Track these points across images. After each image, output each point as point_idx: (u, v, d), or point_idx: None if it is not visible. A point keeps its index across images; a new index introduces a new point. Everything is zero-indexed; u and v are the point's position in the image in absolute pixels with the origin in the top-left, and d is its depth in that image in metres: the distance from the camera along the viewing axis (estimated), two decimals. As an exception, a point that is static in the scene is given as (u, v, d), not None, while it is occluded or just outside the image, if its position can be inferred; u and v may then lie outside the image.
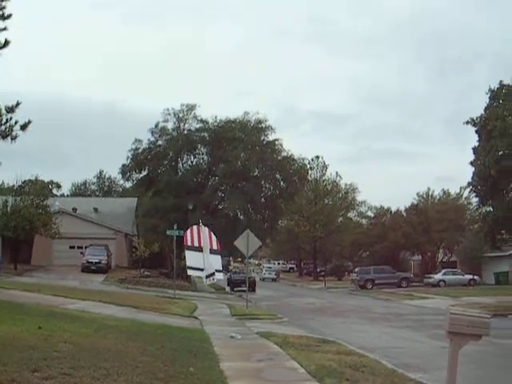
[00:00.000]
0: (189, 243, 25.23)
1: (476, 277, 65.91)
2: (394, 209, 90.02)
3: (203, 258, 24.56)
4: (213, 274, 24.32)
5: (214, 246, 25.68)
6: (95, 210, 71.32)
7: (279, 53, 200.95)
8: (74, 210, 66.69)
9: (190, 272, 25.01)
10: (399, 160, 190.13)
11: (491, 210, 43.38)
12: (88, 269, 55.37)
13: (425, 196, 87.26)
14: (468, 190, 54.03)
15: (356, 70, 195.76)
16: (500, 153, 39.79)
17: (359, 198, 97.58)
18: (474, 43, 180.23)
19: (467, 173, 43.33)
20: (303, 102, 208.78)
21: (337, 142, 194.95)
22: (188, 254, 25.31)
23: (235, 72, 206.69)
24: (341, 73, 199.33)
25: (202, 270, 24.87)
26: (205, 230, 25.86)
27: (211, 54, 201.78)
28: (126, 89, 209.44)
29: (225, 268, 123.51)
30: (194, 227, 25.94)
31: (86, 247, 59.80)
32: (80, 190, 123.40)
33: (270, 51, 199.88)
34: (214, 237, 26.00)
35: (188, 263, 25.09)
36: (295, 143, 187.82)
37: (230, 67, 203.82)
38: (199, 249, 25.16)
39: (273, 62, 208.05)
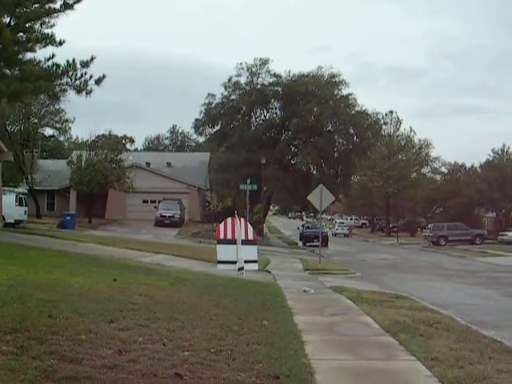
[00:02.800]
0: (221, 236, 25.26)
1: (552, 234, 64.61)
2: (468, 165, 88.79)
3: (236, 251, 24.57)
4: (242, 267, 24.36)
5: (250, 237, 25.61)
6: (168, 164, 72.00)
7: (354, 9, 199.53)
8: (148, 164, 67.48)
9: (220, 266, 25.04)
10: (474, 116, 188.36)
11: None
12: (161, 223, 56.15)
13: (500, 152, 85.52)
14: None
15: (432, 28, 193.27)
16: None
17: (433, 153, 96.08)
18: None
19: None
20: (378, 57, 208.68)
21: (411, 97, 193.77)
22: (219, 247, 25.32)
23: (310, 28, 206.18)
24: (416, 28, 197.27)
25: (234, 262, 24.89)
26: (240, 222, 25.81)
27: (286, 9, 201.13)
28: (200, 44, 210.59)
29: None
30: (229, 220, 25.91)
31: (159, 201, 60.57)
32: (153, 145, 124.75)
33: (345, 8, 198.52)
34: (250, 227, 25.95)
35: (218, 257, 25.12)
36: (370, 98, 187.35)
37: (306, 23, 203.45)
38: (232, 241, 25.14)
39: (348, 18, 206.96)
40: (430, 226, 71.39)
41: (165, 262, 26.14)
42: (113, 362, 7.79)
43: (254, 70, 66.09)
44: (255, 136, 63.85)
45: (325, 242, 55.61)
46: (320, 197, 33.51)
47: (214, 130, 68.27)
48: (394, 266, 38.33)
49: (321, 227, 45.99)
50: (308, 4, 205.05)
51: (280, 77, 66.12)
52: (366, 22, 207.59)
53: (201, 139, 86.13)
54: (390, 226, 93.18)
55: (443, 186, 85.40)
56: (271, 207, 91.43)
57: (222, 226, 26.00)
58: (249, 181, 46.14)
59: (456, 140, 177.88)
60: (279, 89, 65.75)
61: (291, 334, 11.54)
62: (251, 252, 25.63)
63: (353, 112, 64.90)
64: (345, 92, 65.55)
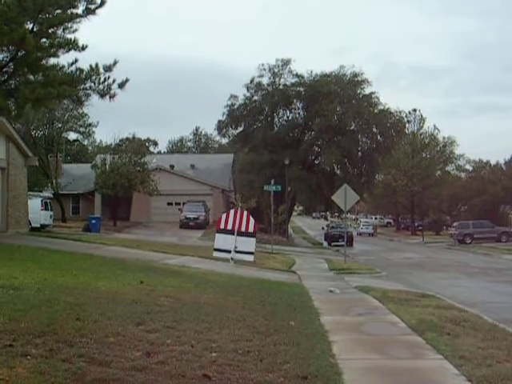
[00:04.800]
0: (221, 227, 25.44)
1: None
2: (493, 162, 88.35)
3: (233, 241, 24.77)
4: (232, 258, 24.53)
5: (251, 229, 25.75)
6: (192, 166, 72.14)
7: (374, 11, 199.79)
8: (171, 166, 67.63)
9: (215, 254, 25.28)
10: (498, 114, 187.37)
11: None
12: (186, 225, 56.21)
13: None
14: None
15: (453, 27, 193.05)
16: None
17: (457, 151, 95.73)
18: None
19: None
20: (401, 58, 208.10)
21: (435, 96, 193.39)
22: (218, 236, 25.54)
23: (332, 29, 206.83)
24: (436, 28, 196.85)
25: (229, 251, 25.10)
26: (243, 214, 25.94)
27: (308, 10, 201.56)
28: (222, 47, 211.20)
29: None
30: (231, 212, 26.12)
31: (183, 203, 60.64)
32: (177, 147, 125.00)
33: (367, 9, 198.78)
34: (252, 220, 26.07)
35: (216, 245, 25.34)
36: (394, 98, 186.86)
37: (329, 24, 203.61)
38: (230, 232, 25.32)
39: (369, 20, 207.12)
40: (455, 224, 71.06)
41: (190, 263, 26.19)
42: (141, 364, 7.84)
43: (275, 70, 66.24)
44: (278, 137, 63.93)
45: (350, 241, 55.59)
46: (344, 196, 33.45)
47: (237, 131, 68.38)
48: (419, 265, 38.20)
49: (345, 227, 45.90)
50: (330, 5, 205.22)
51: (302, 77, 66.17)
52: (387, 23, 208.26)
53: (224, 141, 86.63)
54: (415, 224, 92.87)
55: (468, 183, 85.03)
56: (295, 207, 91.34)
57: (223, 217, 26.21)
58: (273, 181, 46.08)
59: (480, 138, 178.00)
60: (301, 89, 65.77)
61: (318, 334, 11.56)
62: (249, 244, 25.81)
63: (376, 111, 64.76)
64: (367, 91, 65.53)
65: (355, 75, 65.04)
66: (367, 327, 12.82)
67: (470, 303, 18.16)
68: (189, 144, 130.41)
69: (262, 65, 66.34)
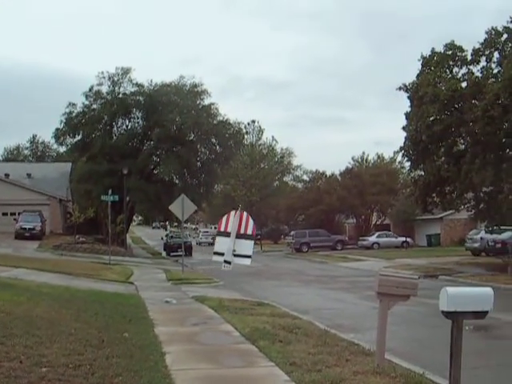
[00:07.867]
0: (222, 229, 25.01)
1: (409, 239, 67.26)
2: (329, 173, 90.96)
3: (228, 244, 24.43)
4: (229, 262, 24.14)
5: (250, 231, 25.46)
6: (28, 175, 70.30)
7: (225, 24, 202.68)
8: (7, 175, 65.65)
9: (214, 258, 24.90)
10: (338, 127, 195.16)
11: (422, 174, 43.61)
12: (22, 235, 54.62)
13: (359, 160, 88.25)
14: (400, 154, 53.34)
15: (298, 42, 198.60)
16: (431, 118, 39.82)
17: (295, 162, 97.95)
18: (412, 17, 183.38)
19: (402, 138, 43.29)
20: (247, 71, 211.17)
21: (278, 108, 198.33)
22: (217, 239, 25.17)
23: (180, 40, 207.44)
24: (284, 44, 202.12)
25: (223, 255, 24.80)
26: (243, 215, 25.52)
27: (156, 20, 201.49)
28: (65, 53, 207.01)
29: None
30: (232, 212, 25.67)
31: (19, 213, 58.91)
32: (12, 155, 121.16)
33: (215, 21, 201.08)
34: (251, 222, 25.77)
35: (215, 249, 24.94)
36: (239, 110, 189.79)
37: (176, 36, 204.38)
38: (228, 234, 24.99)
39: (218, 32, 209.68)
40: (292, 233, 72.68)
41: (24, 276, 25.44)
42: (-34, 383, 7.57)
43: (115, 79, 65.37)
44: (117, 146, 63.11)
45: (188, 251, 55.87)
46: (182, 207, 33.58)
47: (75, 139, 66.89)
48: (257, 274, 38.71)
49: (183, 237, 45.99)
50: (180, 17, 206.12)
51: (142, 86, 65.71)
52: (235, 36, 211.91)
53: (62, 149, 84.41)
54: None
55: (305, 193, 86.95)
56: (134, 217, 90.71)
57: (224, 218, 25.68)
58: (110, 191, 45.49)
59: (321, 149, 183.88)
60: (141, 98, 65.29)
61: (152, 345, 11.52)
62: (248, 247, 25.42)
63: (215, 122, 65.21)
64: (207, 102, 65.87)
65: (195, 86, 65.27)
66: (201, 337, 12.89)
67: (303, 310, 18.63)
68: (25, 152, 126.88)
69: (102, 73, 65.34)
